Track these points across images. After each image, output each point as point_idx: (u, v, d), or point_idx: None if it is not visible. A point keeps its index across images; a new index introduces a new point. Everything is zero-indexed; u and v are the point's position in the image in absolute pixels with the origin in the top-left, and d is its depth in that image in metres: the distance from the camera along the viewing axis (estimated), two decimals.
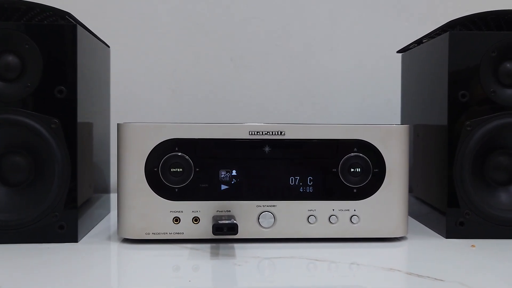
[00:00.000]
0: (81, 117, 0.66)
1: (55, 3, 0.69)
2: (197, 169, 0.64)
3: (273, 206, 0.65)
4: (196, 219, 0.64)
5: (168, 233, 0.64)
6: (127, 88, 1.07)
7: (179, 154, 0.64)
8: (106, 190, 0.83)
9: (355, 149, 0.65)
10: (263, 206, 0.65)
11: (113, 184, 0.75)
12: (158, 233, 0.64)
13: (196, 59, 1.08)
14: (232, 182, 0.65)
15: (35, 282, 0.51)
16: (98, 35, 0.76)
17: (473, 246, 0.64)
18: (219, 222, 0.60)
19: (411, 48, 0.84)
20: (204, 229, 0.64)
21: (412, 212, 0.77)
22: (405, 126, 0.66)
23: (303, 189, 0.65)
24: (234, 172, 0.65)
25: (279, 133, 0.65)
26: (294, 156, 0.65)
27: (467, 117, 0.67)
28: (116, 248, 0.63)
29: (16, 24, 0.63)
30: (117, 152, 0.64)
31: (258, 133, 0.65)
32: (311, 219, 0.65)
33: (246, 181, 0.65)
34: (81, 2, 1.05)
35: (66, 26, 0.64)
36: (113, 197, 0.71)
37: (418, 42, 0.80)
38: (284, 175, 0.65)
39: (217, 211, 0.64)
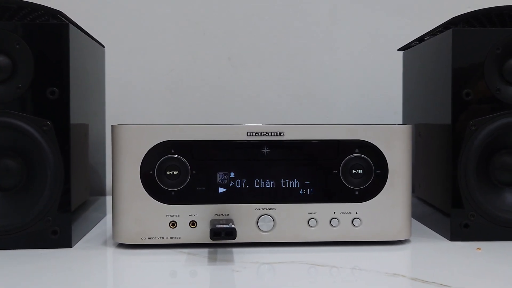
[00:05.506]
0: (75, 119, 0.64)
1: (47, 2, 0.67)
2: (194, 172, 0.63)
3: (273, 209, 0.63)
4: (193, 223, 0.62)
5: (164, 238, 0.62)
6: (123, 89, 1.05)
7: (175, 156, 0.62)
8: (102, 192, 0.82)
9: (357, 150, 0.64)
10: (262, 209, 0.63)
11: (110, 186, 0.74)
12: (154, 238, 0.62)
13: (193, 59, 1.07)
14: (230, 185, 0.63)
15: None
16: (92, 34, 0.75)
17: (478, 249, 0.62)
18: (217, 226, 0.58)
19: (412, 46, 0.83)
20: (202, 234, 0.62)
21: (414, 213, 0.76)
22: (408, 126, 0.65)
23: (303, 191, 0.64)
24: (232, 175, 0.63)
25: (278, 134, 0.63)
26: (294, 157, 0.64)
27: (471, 116, 0.66)
28: (111, 253, 0.62)
29: (6, 23, 0.62)
30: (111, 154, 0.63)
31: (257, 134, 0.63)
32: (312, 222, 0.63)
33: (245, 184, 0.63)
34: (75, 0, 1.04)
35: (58, 25, 0.62)
36: (110, 199, 0.70)
37: (420, 39, 0.79)
38: (284, 177, 0.64)
39: (215, 214, 0.63)
